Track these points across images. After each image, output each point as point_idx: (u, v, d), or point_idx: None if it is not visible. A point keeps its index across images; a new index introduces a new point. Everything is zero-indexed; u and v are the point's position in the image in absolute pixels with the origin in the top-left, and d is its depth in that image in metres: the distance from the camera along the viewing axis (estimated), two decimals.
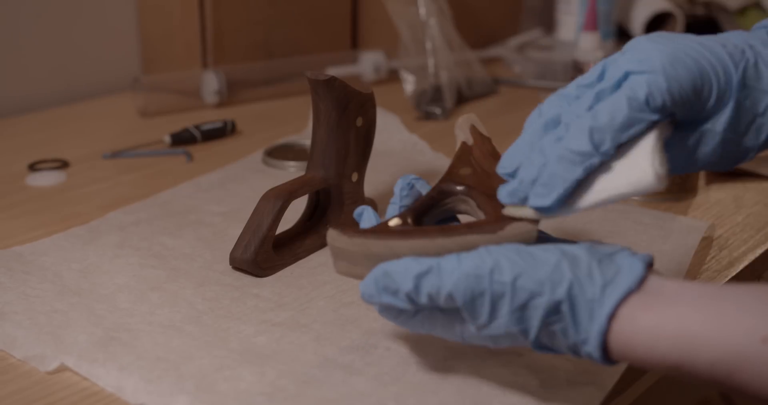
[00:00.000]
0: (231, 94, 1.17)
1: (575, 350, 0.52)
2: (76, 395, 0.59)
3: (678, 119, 0.55)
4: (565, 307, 0.51)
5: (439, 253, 0.54)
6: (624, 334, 0.50)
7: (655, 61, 0.53)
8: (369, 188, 0.85)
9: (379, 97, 0.81)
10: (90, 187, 0.92)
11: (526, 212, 0.55)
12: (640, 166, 0.51)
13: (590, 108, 0.54)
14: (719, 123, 0.55)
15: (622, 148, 0.53)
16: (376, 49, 1.26)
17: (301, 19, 1.27)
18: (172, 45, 1.23)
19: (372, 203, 0.83)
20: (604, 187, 0.53)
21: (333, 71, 1.20)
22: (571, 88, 0.56)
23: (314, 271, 0.74)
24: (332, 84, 0.74)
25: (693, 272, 0.75)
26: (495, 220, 0.56)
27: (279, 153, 0.98)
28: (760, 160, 0.97)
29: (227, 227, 0.81)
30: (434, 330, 0.56)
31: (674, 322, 0.49)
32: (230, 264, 0.74)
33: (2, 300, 0.68)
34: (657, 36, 0.55)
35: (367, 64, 1.25)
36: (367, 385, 0.59)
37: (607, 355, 0.51)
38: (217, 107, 1.16)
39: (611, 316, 0.50)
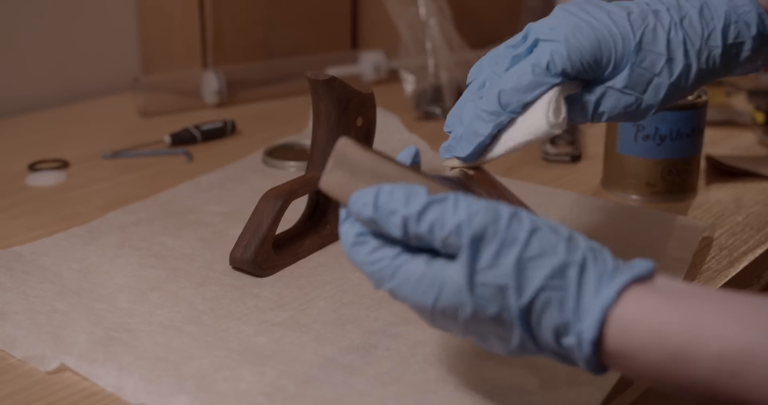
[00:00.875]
0: (231, 94, 1.17)
1: (561, 334, 0.47)
2: (76, 395, 0.59)
3: (582, 78, 0.62)
4: (572, 272, 0.47)
5: None
6: (627, 312, 0.46)
7: (560, 31, 0.60)
8: None
9: (379, 97, 0.81)
10: (90, 187, 0.92)
11: (455, 163, 0.64)
12: (537, 116, 0.60)
13: (507, 70, 0.62)
14: (618, 81, 0.61)
15: (528, 105, 0.61)
16: (376, 49, 1.26)
17: (301, 19, 1.27)
18: (172, 45, 1.23)
19: None
20: (511, 137, 0.61)
21: (333, 71, 1.20)
22: (501, 48, 0.63)
23: (314, 271, 0.74)
24: (332, 84, 0.74)
25: (693, 272, 0.75)
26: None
27: (279, 153, 0.98)
28: (760, 160, 0.97)
29: (227, 227, 0.81)
30: (404, 286, 0.49)
31: (683, 310, 0.46)
32: (230, 264, 0.74)
33: (2, 300, 0.68)
34: (573, 4, 0.62)
35: (367, 64, 1.25)
36: (367, 385, 0.59)
37: (598, 344, 0.47)
38: (217, 107, 1.16)
39: (620, 292, 0.46)
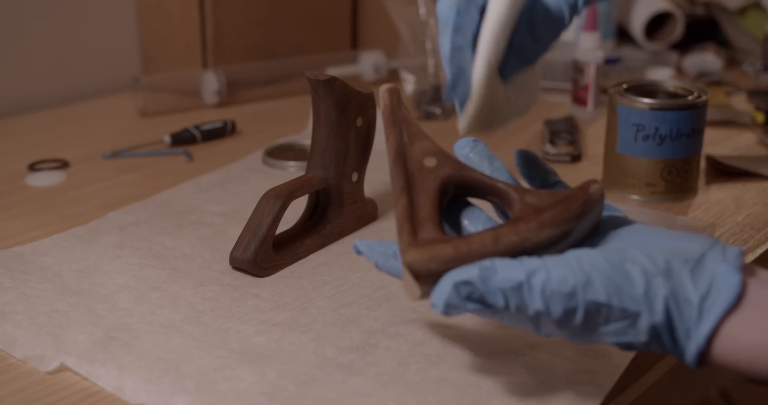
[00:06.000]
0: (231, 94, 1.17)
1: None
2: (76, 395, 0.59)
3: None
4: (663, 328, 0.50)
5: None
6: (725, 350, 0.49)
7: None
8: (369, 188, 0.85)
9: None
10: (90, 187, 0.92)
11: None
12: None
13: None
14: None
15: None
16: (376, 49, 1.26)
17: (301, 19, 1.27)
18: (172, 45, 1.23)
19: (372, 203, 0.83)
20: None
21: (333, 71, 1.20)
22: None
23: (314, 271, 0.74)
24: (332, 84, 0.74)
25: None
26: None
27: (279, 153, 0.98)
28: (760, 160, 0.97)
29: (227, 227, 0.81)
30: (511, 323, 0.54)
31: None
32: (230, 264, 0.74)
33: (2, 300, 0.68)
34: None
35: (367, 64, 1.25)
36: (367, 385, 0.59)
37: (704, 362, 0.51)
38: (217, 107, 1.16)
39: (711, 336, 0.49)
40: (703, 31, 1.41)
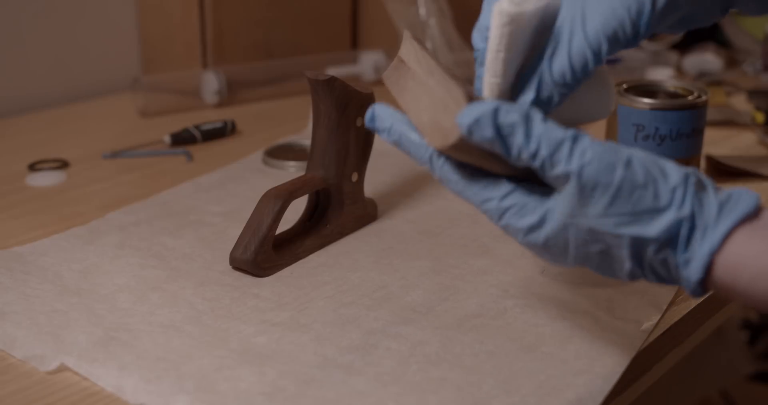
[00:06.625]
0: (231, 94, 1.17)
1: (670, 271, 0.51)
2: (76, 395, 0.59)
3: None
4: (683, 229, 0.49)
5: None
6: (734, 256, 0.49)
7: None
8: (369, 188, 0.85)
9: (379, 97, 0.81)
10: (90, 187, 0.92)
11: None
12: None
13: None
14: None
15: None
16: (376, 49, 1.26)
17: (301, 19, 1.27)
18: (172, 45, 1.23)
19: (372, 203, 0.83)
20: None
21: (333, 71, 1.20)
22: None
23: (314, 271, 0.74)
24: (332, 84, 0.74)
25: None
26: None
27: (279, 153, 0.98)
28: (760, 160, 0.97)
29: (227, 227, 0.81)
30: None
31: None
32: (230, 264, 0.74)
33: (2, 300, 0.68)
34: None
35: (367, 64, 1.25)
36: (367, 385, 0.59)
37: (705, 280, 0.50)
38: (217, 107, 1.16)
39: (725, 237, 0.49)
40: (703, 31, 1.41)
